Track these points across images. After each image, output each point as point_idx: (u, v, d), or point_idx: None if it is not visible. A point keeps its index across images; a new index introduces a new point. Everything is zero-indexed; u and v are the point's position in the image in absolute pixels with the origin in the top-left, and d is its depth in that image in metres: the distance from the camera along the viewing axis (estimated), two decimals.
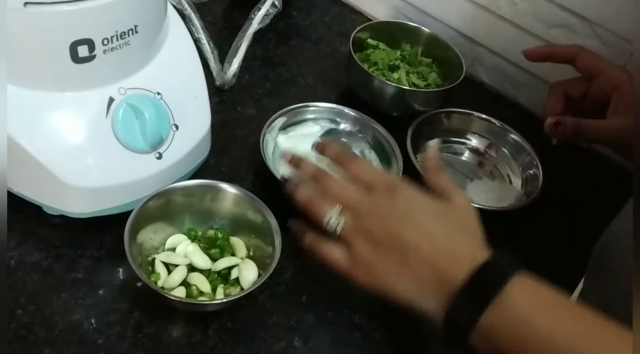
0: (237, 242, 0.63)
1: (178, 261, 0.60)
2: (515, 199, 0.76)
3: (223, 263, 0.61)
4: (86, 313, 0.57)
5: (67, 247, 0.62)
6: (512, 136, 0.81)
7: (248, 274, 0.60)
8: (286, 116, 0.75)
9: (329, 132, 0.76)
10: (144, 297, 0.59)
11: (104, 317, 0.57)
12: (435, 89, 0.83)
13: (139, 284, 0.60)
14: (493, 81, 0.94)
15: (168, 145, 0.61)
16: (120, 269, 0.61)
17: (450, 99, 0.82)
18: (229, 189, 0.63)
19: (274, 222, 0.61)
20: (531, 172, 0.78)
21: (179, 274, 0.59)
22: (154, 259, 0.60)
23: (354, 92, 0.84)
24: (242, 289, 0.59)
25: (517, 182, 0.79)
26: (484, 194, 0.76)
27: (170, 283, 0.59)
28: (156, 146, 0.60)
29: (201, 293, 0.59)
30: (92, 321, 0.57)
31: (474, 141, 0.83)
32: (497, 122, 0.82)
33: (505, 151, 0.81)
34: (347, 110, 0.78)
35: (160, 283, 0.59)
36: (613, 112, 0.71)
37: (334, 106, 0.78)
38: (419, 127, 0.78)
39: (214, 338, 0.58)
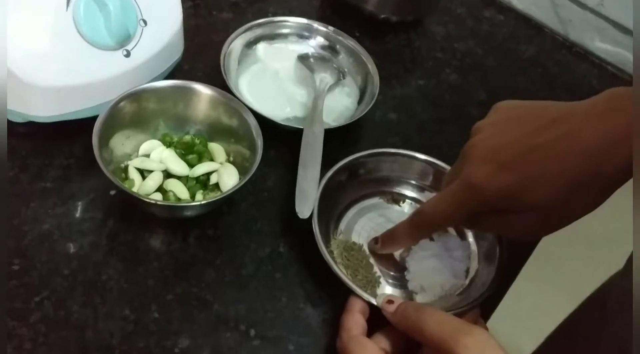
0: (216, 148, 0.60)
1: (153, 167, 0.57)
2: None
3: (201, 169, 0.57)
4: (57, 222, 0.54)
5: (34, 156, 0.58)
6: None
7: (228, 179, 0.57)
8: (253, 31, 0.70)
9: (301, 58, 0.70)
10: (118, 205, 0.56)
11: (76, 226, 0.54)
12: None
13: (112, 192, 0.56)
14: None
15: (136, 42, 0.57)
16: (92, 178, 0.57)
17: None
18: (204, 90, 0.59)
19: (253, 123, 0.57)
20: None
21: (154, 180, 0.56)
22: (127, 166, 0.57)
23: None
24: None
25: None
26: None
27: (146, 189, 0.55)
28: (123, 41, 0.56)
29: (179, 200, 0.56)
30: (64, 230, 0.54)
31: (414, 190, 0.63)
32: (442, 164, 0.60)
33: None
34: (316, 25, 0.72)
35: (135, 190, 0.55)
36: None
37: (303, 20, 0.72)
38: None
39: (195, 245, 0.55)
